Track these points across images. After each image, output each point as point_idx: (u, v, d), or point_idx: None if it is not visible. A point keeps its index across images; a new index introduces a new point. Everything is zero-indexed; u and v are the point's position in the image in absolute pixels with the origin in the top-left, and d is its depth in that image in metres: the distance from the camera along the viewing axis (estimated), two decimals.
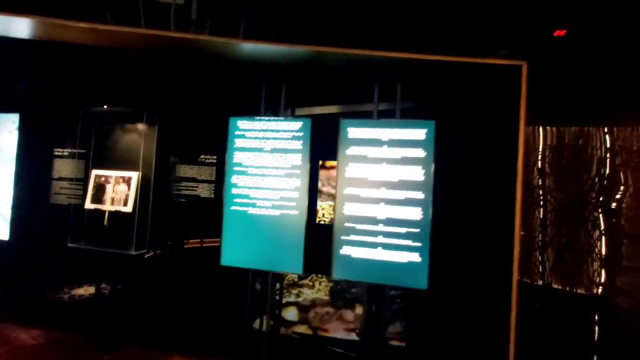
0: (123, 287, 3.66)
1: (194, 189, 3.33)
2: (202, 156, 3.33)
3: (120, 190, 3.24)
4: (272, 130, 2.93)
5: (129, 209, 3.21)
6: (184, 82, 3.32)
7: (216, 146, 3.27)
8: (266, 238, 2.89)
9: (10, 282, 3.81)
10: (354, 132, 2.82)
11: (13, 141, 3.50)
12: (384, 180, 2.72)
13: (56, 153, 3.63)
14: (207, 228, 3.31)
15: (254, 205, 2.93)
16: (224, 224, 2.99)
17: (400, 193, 2.68)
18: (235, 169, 2.99)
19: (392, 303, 3.31)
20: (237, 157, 2.99)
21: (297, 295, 3.87)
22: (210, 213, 3.26)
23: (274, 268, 2.91)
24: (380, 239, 2.71)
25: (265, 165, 2.92)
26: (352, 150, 2.81)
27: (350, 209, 2.78)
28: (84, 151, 3.46)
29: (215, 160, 3.32)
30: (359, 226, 2.76)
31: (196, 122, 3.35)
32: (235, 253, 2.95)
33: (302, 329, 3.63)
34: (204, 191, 3.34)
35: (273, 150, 2.92)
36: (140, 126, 3.34)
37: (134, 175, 3.25)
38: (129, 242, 3.20)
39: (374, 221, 2.72)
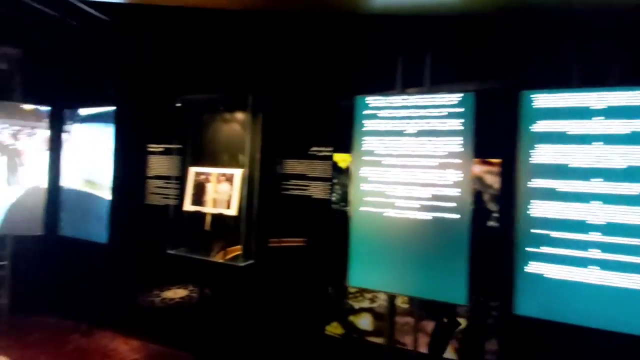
0: (223, 298, 3.22)
1: (305, 187, 2.74)
2: (315, 148, 2.72)
3: (222, 190, 2.77)
4: (418, 107, 2.20)
5: (232, 211, 2.72)
6: (292, 60, 2.75)
7: (334, 135, 2.65)
8: (411, 250, 2.18)
9: (106, 286, 3.60)
10: (543, 100, 1.98)
11: (110, 138, 3.23)
12: (598, 167, 1.85)
13: (150, 149, 3.30)
14: (325, 237, 2.70)
15: (392, 206, 2.24)
16: (351, 230, 2.35)
17: (631, 186, 1.79)
18: (365, 158, 2.32)
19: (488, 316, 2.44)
20: (367, 143, 2.32)
21: (372, 300, 3.11)
22: (327, 216, 2.66)
23: (422, 294, 2.18)
24: (594, 254, 1.85)
25: (408, 153, 2.21)
26: (541, 126, 1.97)
27: (540, 208, 1.96)
28: (180, 146, 3.06)
29: (330, 154, 2.68)
30: (556, 234, 1.92)
31: (308, 107, 2.74)
32: (366, 270, 2.29)
33: (376, 339, 2.89)
34: (317, 191, 2.73)
35: (420, 133, 2.19)
36: (243, 115, 2.84)
37: (237, 173, 2.75)
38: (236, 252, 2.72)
39: (583, 227, 1.87)
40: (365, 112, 2.33)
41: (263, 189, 2.81)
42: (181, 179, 3.03)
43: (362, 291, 2.78)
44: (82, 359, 3.09)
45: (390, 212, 2.24)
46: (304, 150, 2.76)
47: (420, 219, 2.16)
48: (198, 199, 2.87)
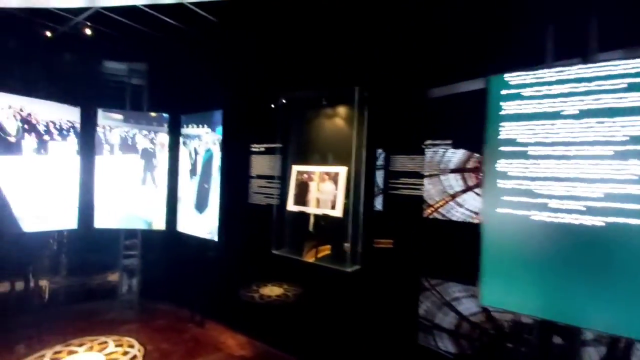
0: (328, 302, 3.09)
1: (417, 187, 2.41)
2: (429, 142, 2.38)
3: (325, 189, 2.63)
4: (582, 80, 1.71)
5: (338, 212, 2.55)
6: (402, 45, 2.46)
7: (453, 127, 2.27)
8: (574, 265, 1.69)
9: (215, 280, 3.80)
10: None
11: (218, 139, 3.40)
12: None
13: (253, 149, 3.36)
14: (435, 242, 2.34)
15: (543, 208, 1.78)
16: (484, 236, 1.95)
17: None
18: (504, 149, 1.90)
19: None
20: (507, 130, 1.89)
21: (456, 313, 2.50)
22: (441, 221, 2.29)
23: (593, 324, 1.67)
24: None
25: (567, 140, 1.73)
26: None
27: None
28: (280, 145, 3.03)
29: (446, 148, 2.31)
30: None
31: (421, 95, 2.42)
32: (506, 288, 1.87)
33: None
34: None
35: (585, 114, 1.69)
36: (347, 109, 2.67)
37: (342, 171, 2.58)
38: (342, 256, 2.55)
39: None
40: (504, 92, 1.91)
41: (370, 189, 2.58)
42: (283, 178, 2.99)
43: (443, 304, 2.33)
44: (197, 349, 3.28)
45: (540, 216, 1.78)
46: (416, 145, 2.44)
47: (588, 225, 1.66)
48: (301, 198, 2.78)
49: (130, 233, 4.03)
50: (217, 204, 3.39)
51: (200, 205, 3.59)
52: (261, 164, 3.30)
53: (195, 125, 3.69)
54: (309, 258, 3.01)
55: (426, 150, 2.41)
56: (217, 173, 3.48)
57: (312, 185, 2.72)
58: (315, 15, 2.65)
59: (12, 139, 3.20)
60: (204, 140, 3.61)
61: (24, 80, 3.34)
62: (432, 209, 2.36)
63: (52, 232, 3.75)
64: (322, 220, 2.68)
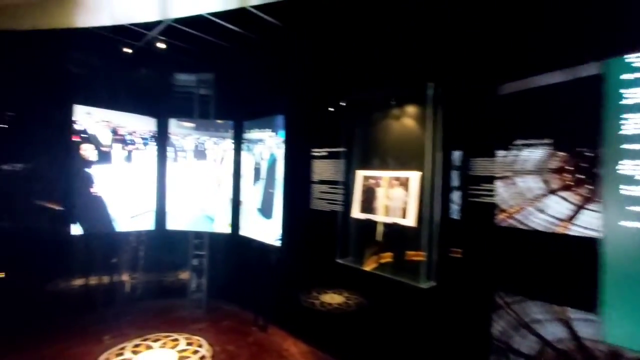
0: (393, 317, 2.87)
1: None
2: (520, 142, 2.05)
3: (395, 195, 2.43)
4: None
5: (410, 221, 2.33)
6: (483, 31, 2.18)
7: (554, 123, 1.93)
8: None
9: (277, 285, 3.79)
10: None
11: (281, 144, 3.39)
12: None
13: (314, 154, 3.28)
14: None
15: None
16: (605, 256, 1.59)
17: None
18: (628, 146, 1.54)
19: None
20: (631, 124, 1.53)
21: (538, 337, 1.97)
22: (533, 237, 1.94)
23: None
24: None
25: None
26: None
27: None
28: (343, 149, 2.90)
29: (543, 147, 1.96)
30: None
31: (506, 88, 2.11)
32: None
33: None
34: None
35: None
36: (418, 109, 2.45)
37: (414, 176, 2.35)
38: (414, 269, 2.33)
39: None
40: (626, 76, 1.55)
41: (446, 195, 2.32)
42: (347, 184, 2.86)
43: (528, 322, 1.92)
44: (261, 354, 3.28)
45: None
46: (502, 146, 2.12)
47: None
48: (368, 205, 2.62)
49: (198, 235, 4.22)
50: (280, 209, 3.37)
51: (266, 209, 3.62)
52: (323, 169, 3.21)
53: (258, 130, 3.74)
54: (369, 266, 2.84)
55: (513, 151, 2.08)
56: (281, 177, 3.49)
57: (380, 192, 2.53)
58: (378, 10, 2.48)
59: (106, 149, 3.55)
60: (267, 144, 3.64)
61: (110, 95, 3.69)
62: (506, 215, 2.03)
63: (133, 233, 4.08)
64: (391, 229, 2.48)
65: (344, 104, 2.78)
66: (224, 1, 2.51)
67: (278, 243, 3.43)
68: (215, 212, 3.98)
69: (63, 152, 3.53)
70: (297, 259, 3.54)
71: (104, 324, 3.70)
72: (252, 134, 3.82)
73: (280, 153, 3.40)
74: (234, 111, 4.01)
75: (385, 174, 2.53)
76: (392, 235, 2.51)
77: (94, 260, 3.99)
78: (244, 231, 3.92)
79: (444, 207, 2.35)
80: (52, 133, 3.68)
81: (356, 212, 2.70)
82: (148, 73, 3.92)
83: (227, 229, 3.98)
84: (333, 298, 3.94)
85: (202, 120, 4.02)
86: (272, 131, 3.55)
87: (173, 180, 4.00)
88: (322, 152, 3.20)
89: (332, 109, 3.04)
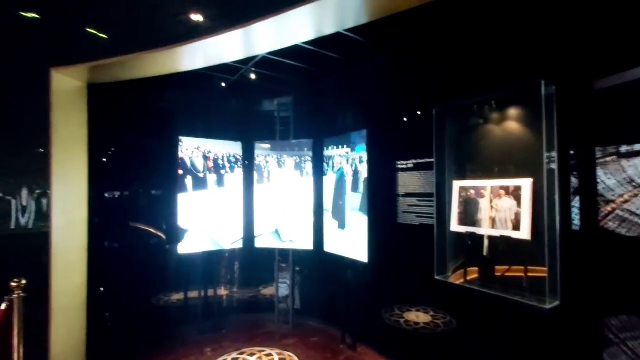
0: (499, 341, 2.60)
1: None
2: None
3: (503, 206, 2.23)
4: None
5: (524, 234, 2.11)
6: (597, 16, 1.94)
7: None
8: None
9: (365, 302, 3.71)
10: None
11: (364, 159, 3.38)
12: None
13: (400, 166, 3.20)
14: None
15: None
16: None
17: None
18: None
19: None
20: None
21: None
22: None
23: None
24: None
25: None
26: None
27: None
28: (433, 160, 2.77)
29: None
30: None
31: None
32: None
33: None
34: None
35: None
36: (522, 110, 2.25)
37: (526, 184, 2.14)
38: (532, 286, 2.09)
39: None
40: None
41: (566, 204, 2.06)
42: (440, 196, 2.71)
43: None
44: None
45: None
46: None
47: None
48: (468, 218, 2.44)
49: (284, 252, 4.35)
50: (364, 224, 3.33)
51: (339, 221, 3.65)
52: (410, 181, 3.10)
53: (335, 147, 3.80)
54: (456, 280, 2.64)
55: None
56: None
57: (483, 203, 2.35)
58: (471, 6, 2.36)
59: (201, 175, 3.90)
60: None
61: (204, 125, 4.07)
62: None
63: (226, 251, 4.36)
64: (500, 242, 2.27)
65: (435, 112, 2.67)
66: (312, 31, 2.61)
67: (363, 259, 3.37)
68: (298, 229, 4.08)
69: (169, 179, 3.97)
70: (385, 275, 3.44)
71: (203, 336, 3.97)
72: (331, 151, 3.88)
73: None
74: (313, 130, 4.13)
75: (487, 183, 2.34)
76: (501, 250, 2.29)
77: (191, 276, 4.34)
78: (328, 247, 3.95)
79: (564, 216, 2.09)
80: (159, 163, 4.17)
81: (455, 225, 2.54)
82: (237, 102, 4.26)
83: (310, 246, 4.04)
84: (418, 317, 3.74)
85: (282, 141, 4.21)
86: (348, 147, 3.60)
87: (259, 201, 4.22)
88: (409, 164, 3.11)
89: (418, 119, 2.96)
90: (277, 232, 4.17)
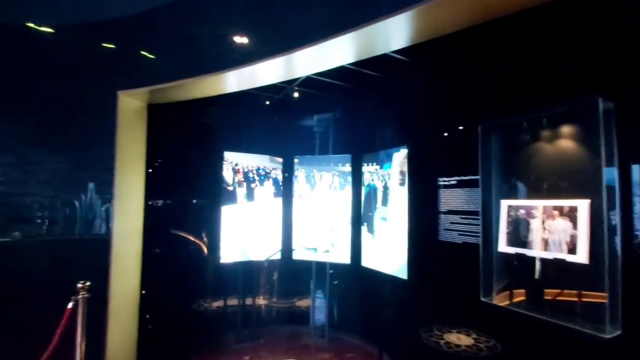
0: None
1: None
2: None
3: (557, 227, 2.14)
4: None
5: (581, 257, 2.01)
6: None
7: None
8: None
9: (403, 321, 3.63)
10: None
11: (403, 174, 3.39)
12: None
13: (441, 183, 3.16)
14: None
15: None
16: None
17: None
18: None
19: None
20: None
21: None
22: None
23: None
24: None
25: None
26: None
27: None
28: (479, 177, 2.72)
29: None
30: None
31: None
32: None
33: None
34: None
35: None
36: (575, 128, 2.17)
37: (582, 205, 2.05)
38: (589, 313, 1.97)
39: None
40: None
41: (628, 227, 1.94)
42: (486, 215, 2.64)
43: None
44: None
45: None
46: None
47: None
48: (517, 238, 2.36)
49: (320, 265, 4.40)
50: (402, 240, 3.30)
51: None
52: (453, 199, 3.05)
53: (370, 164, 3.87)
54: (501, 302, 2.52)
55: None
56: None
57: (534, 223, 2.26)
58: (519, 22, 2.34)
59: (243, 188, 4.11)
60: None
61: (247, 140, 4.29)
62: None
63: (264, 261, 4.49)
64: (553, 265, 2.17)
65: (480, 130, 2.64)
66: (352, 56, 2.71)
67: (404, 275, 3.33)
68: (336, 243, 4.12)
69: (212, 191, 4.19)
70: (424, 293, 3.36)
71: (241, 345, 4.08)
72: (367, 167, 3.93)
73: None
74: (351, 145, 4.20)
75: (539, 203, 2.26)
76: (555, 273, 2.18)
77: (230, 284, 4.49)
78: (366, 262, 3.94)
79: (626, 238, 1.96)
80: (203, 176, 4.43)
81: (502, 246, 2.46)
82: (278, 118, 4.46)
83: (348, 259, 4.06)
84: (460, 339, 3.59)
85: (321, 156, 4.32)
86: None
87: (297, 214, 4.33)
88: (452, 180, 3.06)
89: (461, 136, 2.93)
90: (313, 245, 4.24)
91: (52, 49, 3.58)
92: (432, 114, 3.37)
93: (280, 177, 4.42)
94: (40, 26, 3.58)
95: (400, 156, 3.43)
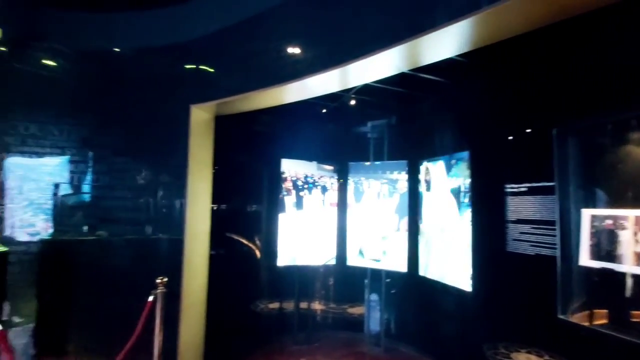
0: None
1: None
2: None
3: None
4: None
5: None
6: None
7: None
8: None
9: (464, 334, 3.46)
10: None
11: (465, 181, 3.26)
12: None
13: (510, 189, 2.99)
14: None
15: None
16: None
17: None
18: None
19: None
20: None
21: None
22: None
23: None
24: None
25: None
26: None
27: None
28: (555, 184, 2.53)
29: None
30: None
31: None
32: None
33: None
34: None
35: None
36: None
37: None
38: None
39: None
40: None
41: None
42: (564, 225, 2.44)
43: None
44: None
45: None
46: None
47: None
48: (602, 252, 2.15)
49: (376, 272, 4.36)
50: (467, 250, 3.16)
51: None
52: (524, 207, 2.86)
53: (428, 170, 3.76)
54: (580, 321, 2.29)
55: None
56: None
57: (624, 235, 2.05)
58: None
59: (300, 194, 4.25)
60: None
61: (303, 147, 4.44)
62: None
63: (320, 266, 4.57)
64: None
65: (555, 133, 2.46)
66: (408, 64, 2.69)
67: (467, 287, 3.18)
68: (392, 250, 4.06)
69: (269, 196, 4.39)
70: (489, 307, 3.17)
71: (298, 347, 4.17)
72: (426, 173, 3.83)
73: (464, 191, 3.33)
74: (407, 151, 4.14)
75: (630, 213, 2.04)
76: None
77: (286, 287, 4.62)
78: (424, 271, 3.83)
79: None
80: (260, 182, 4.66)
81: (585, 259, 2.25)
82: (334, 125, 4.56)
83: (405, 267, 3.97)
84: (530, 359, 3.33)
85: (376, 162, 4.31)
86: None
87: (351, 220, 4.36)
88: (522, 187, 2.88)
89: (531, 140, 2.75)
90: (366, 252, 4.22)
91: (134, 69, 4.06)
92: (496, 117, 3.21)
93: (328, 185, 4.49)
94: (124, 50, 4.08)
95: (461, 161, 3.30)
